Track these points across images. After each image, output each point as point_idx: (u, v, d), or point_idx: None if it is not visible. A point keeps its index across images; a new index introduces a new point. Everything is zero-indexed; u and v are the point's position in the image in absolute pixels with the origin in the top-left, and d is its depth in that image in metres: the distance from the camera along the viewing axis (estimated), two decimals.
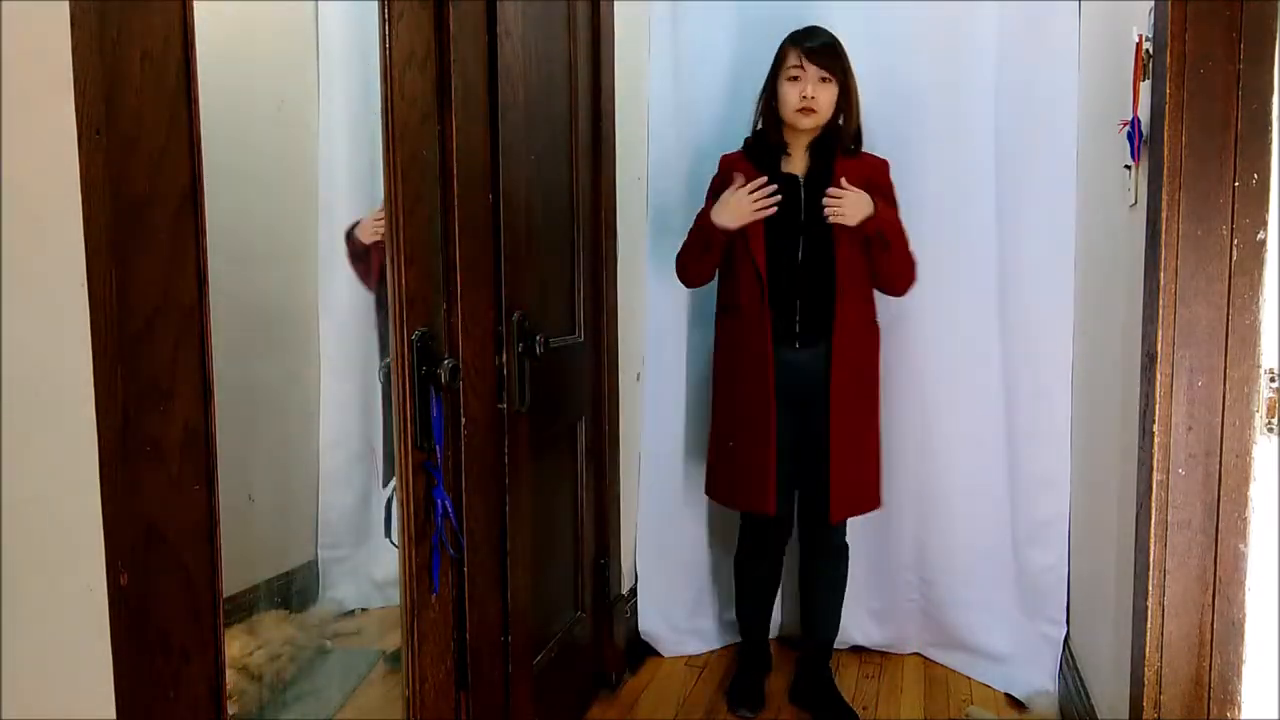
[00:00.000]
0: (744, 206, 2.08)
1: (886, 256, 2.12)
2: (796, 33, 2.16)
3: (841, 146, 2.18)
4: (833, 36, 2.15)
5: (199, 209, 0.90)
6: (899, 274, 2.18)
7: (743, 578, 2.43)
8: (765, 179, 2.09)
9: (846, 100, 2.16)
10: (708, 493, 2.38)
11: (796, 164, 2.20)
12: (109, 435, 0.79)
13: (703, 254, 2.18)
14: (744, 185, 2.08)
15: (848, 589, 2.38)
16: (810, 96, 2.09)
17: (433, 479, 1.39)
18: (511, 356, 1.67)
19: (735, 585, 2.46)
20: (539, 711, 1.83)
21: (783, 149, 2.20)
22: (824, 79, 2.11)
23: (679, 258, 2.28)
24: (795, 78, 2.11)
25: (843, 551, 2.34)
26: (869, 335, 2.25)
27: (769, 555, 2.37)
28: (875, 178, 2.18)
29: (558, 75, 1.98)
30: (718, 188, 2.21)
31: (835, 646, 2.64)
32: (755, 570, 2.39)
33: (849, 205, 2.05)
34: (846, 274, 2.14)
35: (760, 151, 2.22)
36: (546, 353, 1.79)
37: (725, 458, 2.27)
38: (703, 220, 2.16)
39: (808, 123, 2.13)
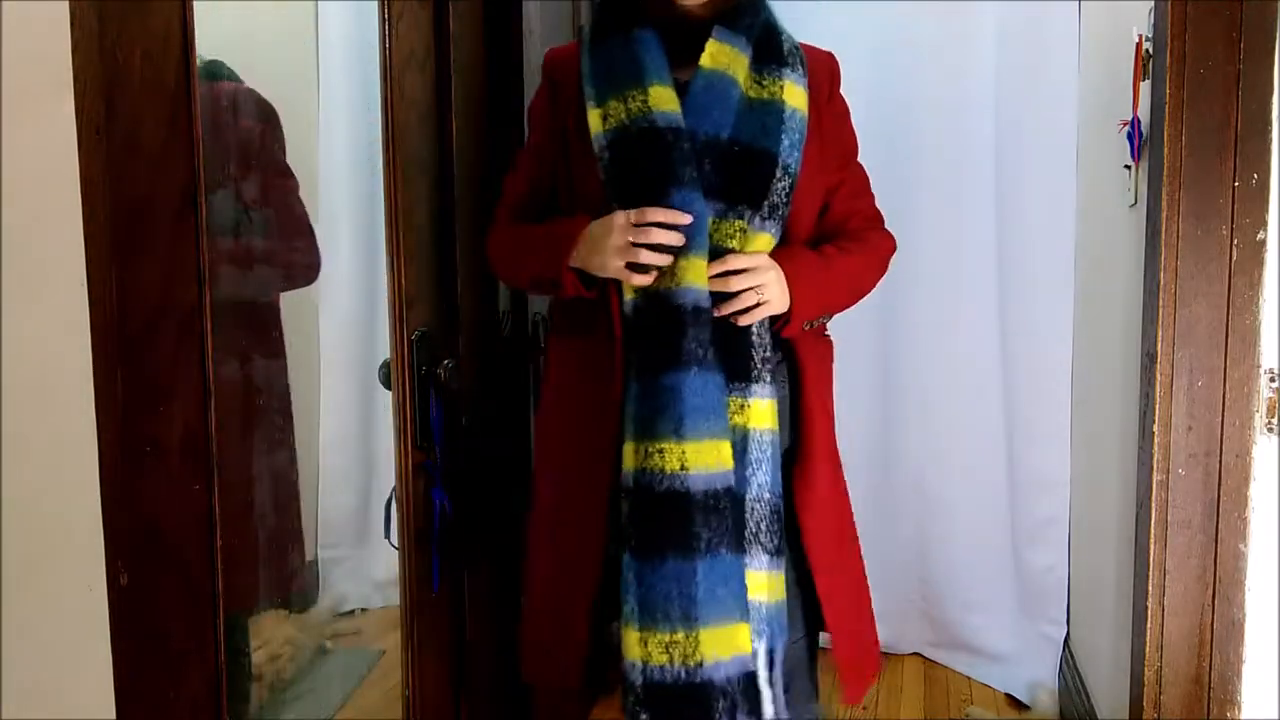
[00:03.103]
0: (614, 249, 1.16)
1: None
2: None
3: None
4: None
5: (199, 209, 0.90)
6: (859, 295, 1.37)
7: None
8: (666, 216, 1.15)
9: None
10: None
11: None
12: (109, 435, 0.79)
13: (544, 290, 1.32)
14: (630, 218, 1.16)
15: None
16: None
17: (432, 479, 1.39)
18: (536, 356, 1.68)
19: None
20: (550, 712, 1.83)
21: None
22: None
23: (493, 252, 1.37)
24: None
25: None
26: (819, 353, 1.35)
27: None
28: (827, 82, 1.33)
29: None
30: (538, 108, 1.34)
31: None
32: None
33: (769, 290, 1.20)
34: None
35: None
36: None
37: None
38: (547, 245, 1.25)
39: None
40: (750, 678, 1.17)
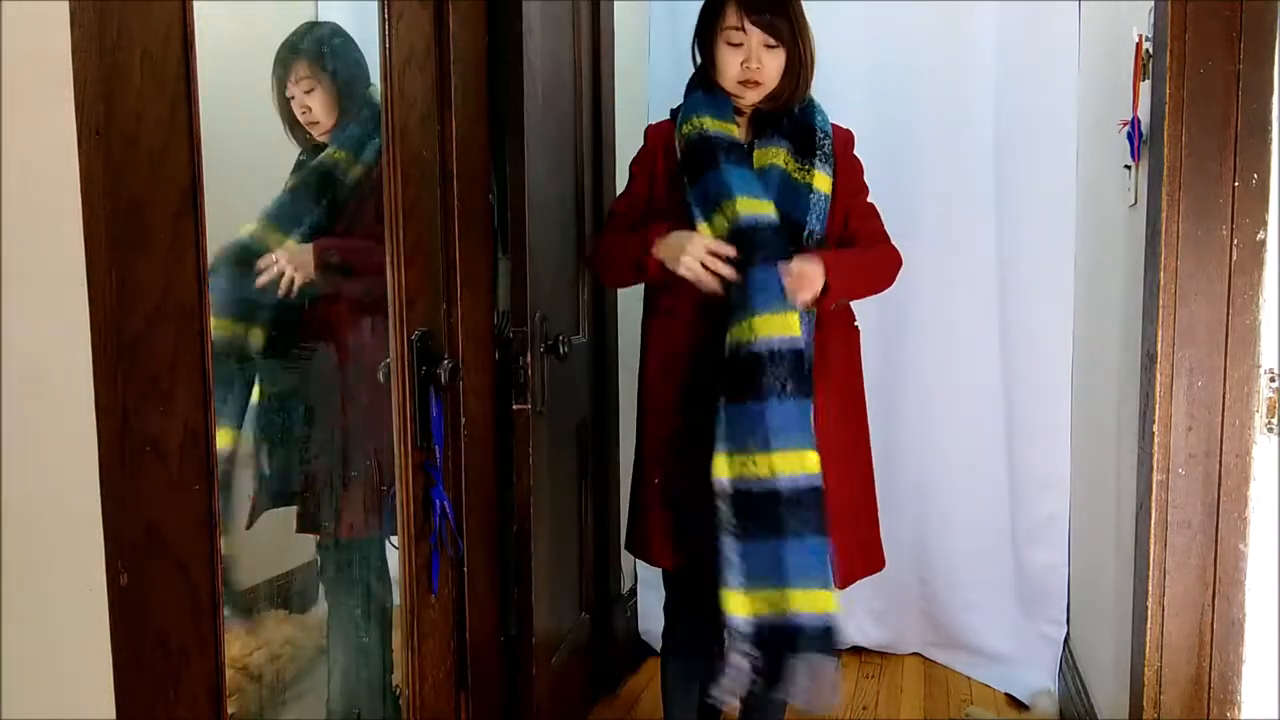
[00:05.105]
0: (691, 254, 1.58)
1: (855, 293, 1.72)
2: None
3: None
4: None
5: (199, 209, 0.90)
6: (874, 288, 1.77)
7: (667, 682, 1.85)
8: (732, 250, 1.58)
9: (799, 69, 1.67)
10: (627, 547, 1.84)
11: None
12: (109, 435, 0.79)
13: (632, 274, 1.72)
14: (708, 241, 1.60)
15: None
16: (754, 67, 1.63)
17: (432, 479, 1.39)
18: (535, 357, 1.67)
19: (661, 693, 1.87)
20: (551, 712, 1.83)
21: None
22: (770, 45, 1.63)
23: (599, 251, 1.82)
24: (736, 43, 1.64)
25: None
26: (847, 339, 1.79)
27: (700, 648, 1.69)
28: (842, 154, 1.75)
29: (564, 75, 1.98)
30: (640, 165, 1.79)
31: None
32: (683, 676, 1.81)
33: (805, 284, 1.57)
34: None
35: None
36: (568, 352, 1.80)
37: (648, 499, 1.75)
38: (642, 237, 1.68)
39: (752, 96, 1.67)
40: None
